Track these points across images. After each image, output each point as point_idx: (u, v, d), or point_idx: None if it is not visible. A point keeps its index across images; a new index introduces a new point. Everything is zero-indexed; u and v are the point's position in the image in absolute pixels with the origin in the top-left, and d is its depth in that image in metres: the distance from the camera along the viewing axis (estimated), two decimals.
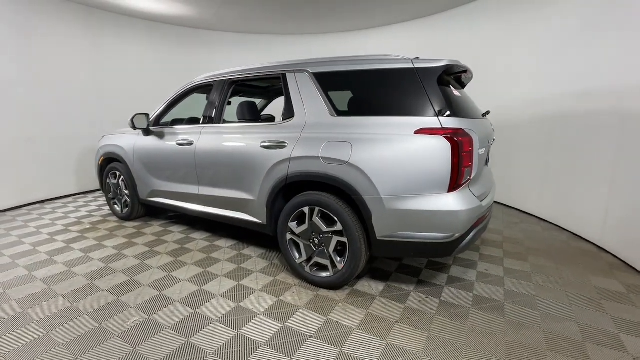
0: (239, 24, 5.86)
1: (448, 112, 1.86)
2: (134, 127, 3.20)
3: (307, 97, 2.29)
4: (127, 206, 3.71)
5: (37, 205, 4.48)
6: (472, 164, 1.87)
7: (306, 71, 2.35)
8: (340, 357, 1.62)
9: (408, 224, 1.90)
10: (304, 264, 2.33)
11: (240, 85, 3.26)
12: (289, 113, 2.37)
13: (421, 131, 1.84)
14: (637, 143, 2.55)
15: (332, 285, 2.22)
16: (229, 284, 2.35)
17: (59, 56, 4.68)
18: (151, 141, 3.26)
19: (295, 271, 2.38)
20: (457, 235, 1.86)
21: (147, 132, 3.31)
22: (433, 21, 5.25)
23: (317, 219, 2.19)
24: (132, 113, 5.55)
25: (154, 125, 3.32)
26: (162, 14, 5.31)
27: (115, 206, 3.84)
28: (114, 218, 3.89)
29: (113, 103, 5.36)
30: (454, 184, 1.82)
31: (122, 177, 3.61)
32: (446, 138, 1.79)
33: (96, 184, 5.34)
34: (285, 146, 2.28)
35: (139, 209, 3.66)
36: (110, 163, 3.78)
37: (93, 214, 4.08)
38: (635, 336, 1.79)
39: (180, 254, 2.86)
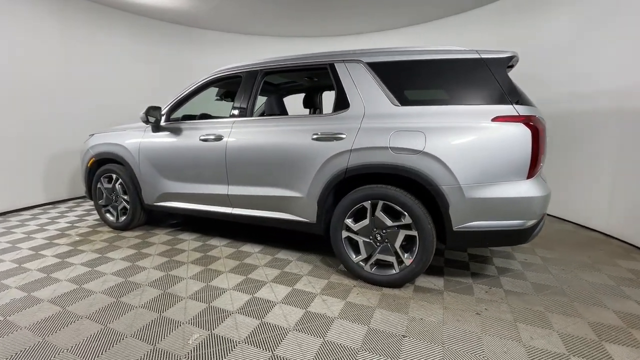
0: (234, 23, 5.59)
1: (519, 100, 1.89)
2: (148, 122, 2.83)
3: (363, 87, 2.20)
4: (124, 214, 3.25)
5: None
6: (544, 150, 1.92)
7: (360, 61, 2.26)
8: (447, 355, 1.52)
9: (487, 212, 1.88)
10: (362, 262, 2.20)
11: (275, 77, 3.05)
12: (342, 104, 2.25)
13: (499, 119, 1.85)
14: (634, 140, 2.85)
15: (397, 283, 2.12)
16: (283, 289, 2.13)
17: (22, 47, 4.05)
18: (163, 138, 2.90)
19: (352, 271, 2.23)
20: (534, 221, 1.88)
21: (157, 128, 2.95)
22: (428, 27, 5.49)
23: (380, 214, 2.08)
24: (109, 112, 5.04)
25: (165, 121, 2.97)
26: (148, 4, 4.88)
27: (108, 215, 3.34)
28: (106, 228, 3.38)
29: (86, 101, 4.75)
30: (532, 171, 1.84)
31: (119, 180, 3.17)
32: (526, 125, 1.81)
33: (71, 192, 4.67)
34: (342, 138, 2.15)
35: (140, 216, 3.22)
36: (102, 165, 3.31)
37: (76, 224, 3.51)
38: None
39: (208, 262, 2.55)
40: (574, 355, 1.52)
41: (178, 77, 5.76)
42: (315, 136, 2.25)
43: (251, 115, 2.59)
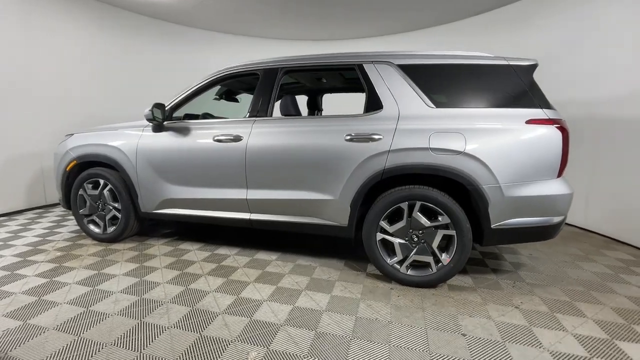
0: (217, 21, 5.31)
1: (546, 104, 2.03)
2: (154, 120, 2.57)
3: (396, 88, 2.21)
4: (113, 224, 2.88)
5: None
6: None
7: (390, 63, 2.27)
8: (514, 350, 1.55)
9: (523, 210, 1.98)
10: (397, 264, 2.18)
11: (295, 76, 2.94)
12: (375, 104, 2.23)
13: (532, 121, 1.97)
14: (608, 142, 3.23)
15: (433, 283, 2.13)
16: (322, 297, 2.03)
17: None
18: (167, 138, 2.63)
19: (387, 273, 2.21)
20: (562, 217, 2.02)
21: (159, 127, 2.67)
22: (427, 32, 5.72)
23: (418, 214, 2.09)
24: (72, 110, 4.44)
25: (166, 120, 2.70)
26: None
27: (92, 226, 2.94)
28: (89, 241, 2.97)
29: (47, 98, 4.17)
30: (562, 170, 1.98)
31: (108, 186, 2.80)
32: (557, 127, 1.95)
33: (29, 202, 4.05)
34: (378, 139, 2.13)
35: (133, 226, 2.88)
36: (84, 169, 2.91)
37: (48, 238, 3.04)
38: None
39: (227, 273, 2.35)
40: (616, 339, 1.64)
41: (149, 74, 5.33)
42: (348, 137, 2.20)
43: (269, 115, 2.46)
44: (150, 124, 2.71)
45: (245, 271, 2.38)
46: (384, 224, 2.17)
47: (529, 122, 1.97)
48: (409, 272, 2.17)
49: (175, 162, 2.59)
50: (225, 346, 1.54)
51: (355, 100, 3.97)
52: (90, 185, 2.88)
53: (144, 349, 1.51)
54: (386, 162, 2.11)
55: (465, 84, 2.16)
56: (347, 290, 2.11)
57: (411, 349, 1.54)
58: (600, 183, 3.36)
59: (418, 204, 2.09)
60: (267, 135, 2.39)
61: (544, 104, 2.03)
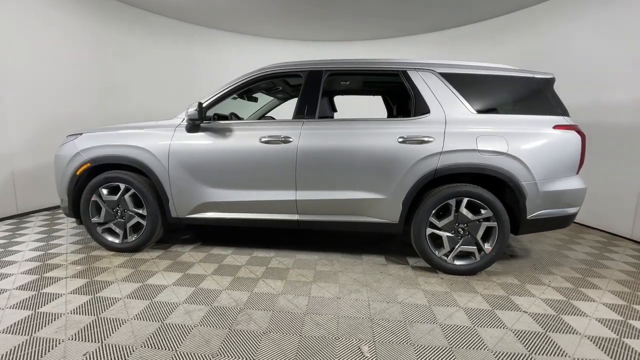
0: (221, 19, 5.03)
1: (566, 112, 2.40)
2: (200, 120, 2.46)
3: (440, 94, 2.41)
4: (136, 231, 2.66)
5: None
6: None
7: (432, 70, 2.46)
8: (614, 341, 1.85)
9: (552, 202, 2.31)
10: (444, 256, 2.39)
11: (337, 79, 2.99)
12: (422, 109, 2.41)
13: (558, 127, 2.31)
14: None
15: (476, 271, 2.38)
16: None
17: None
18: (205, 139, 2.51)
19: (436, 265, 2.40)
20: (578, 208, 2.40)
21: (195, 127, 2.53)
22: (416, 40, 6.05)
23: (464, 209, 2.32)
24: (44, 109, 3.87)
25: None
26: None
27: (107, 235, 2.67)
28: (104, 252, 2.69)
29: (15, 98, 3.62)
30: (580, 168, 2.35)
31: (130, 190, 2.57)
32: (577, 132, 2.31)
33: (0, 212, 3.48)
34: (430, 141, 2.31)
35: (159, 233, 2.68)
36: (99, 173, 2.63)
37: (51, 252, 2.68)
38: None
39: (282, 275, 2.34)
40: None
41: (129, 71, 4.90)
42: (401, 139, 2.34)
43: (316, 117, 2.50)
44: (184, 123, 2.56)
45: (300, 272, 2.39)
46: (433, 219, 2.36)
47: (555, 127, 2.31)
48: (455, 262, 2.39)
49: (217, 164, 2.48)
50: (333, 345, 1.58)
51: (356, 102, 4.14)
52: (108, 191, 2.61)
53: (254, 356, 1.48)
54: (438, 163, 2.29)
55: (499, 92, 2.45)
56: (405, 284, 2.26)
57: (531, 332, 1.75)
58: None
59: (465, 200, 2.31)
60: (319, 136, 2.42)
61: (564, 111, 2.39)
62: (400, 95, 3.37)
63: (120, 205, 2.62)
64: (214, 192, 2.53)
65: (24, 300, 1.90)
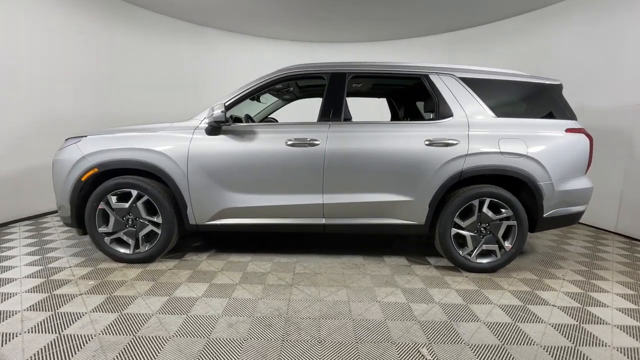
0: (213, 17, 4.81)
1: (574, 116, 2.56)
2: (226, 122, 2.35)
3: (462, 98, 2.48)
4: (148, 240, 2.49)
5: None
6: None
7: (452, 75, 2.53)
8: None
9: (566, 201, 2.46)
10: (467, 255, 2.47)
11: (358, 81, 2.98)
12: (445, 112, 2.47)
13: (570, 130, 2.46)
14: None
15: (496, 268, 2.48)
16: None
17: None
18: (228, 142, 2.40)
19: (460, 264, 2.47)
20: (586, 206, 2.58)
21: (216, 130, 2.41)
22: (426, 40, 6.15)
23: (487, 209, 2.41)
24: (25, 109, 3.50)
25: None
26: None
27: (116, 246, 2.48)
28: (113, 264, 2.49)
29: None
30: (588, 169, 2.53)
31: (143, 197, 2.40)
32: (586, 135, 2.48)
33: None
34: (455, 144, 2.37)
35: (173, 241, 2.52)
36: (106, 179, 2.43)
37: (51, 265, 2.44)
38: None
39: (312, 280, 2.29)
40: None
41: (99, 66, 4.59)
42: (427, 142, 2.38)
43: (342, 119, 2.48)
44: (202, 125, 2.44)
45: (329, 277, 2.36)
46: (457, 219, 2.43)
47: (567, 130, 2.46)
48: (478, 260, 2.47)
49: (240, 168, 2.38)
50: (395, 348, 1.58)
51: (353, 104, 4.16)
52: (118, 198, 2.42)
53: None
54: (464, 165, 2.36)
55: (514, 97, 2.58)
56: (439, 284, 2.31)
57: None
58: None
59: (487, 200, 2.40)
60: (347, 139, 2.40)
61: (572, 115, 2.55)
62: (413, 98, 3.41)
63: (132, 213, 2.44)
64: (237, 197, 2.43)
65: (41, 322, 1.71)
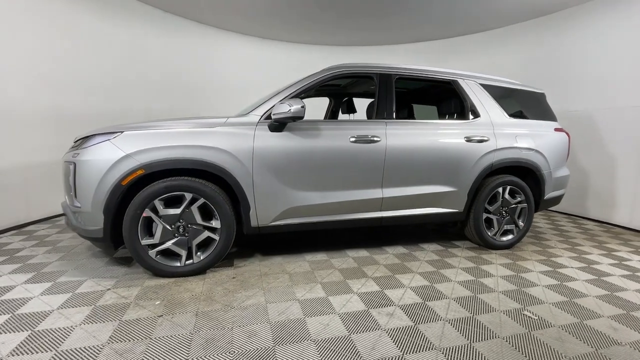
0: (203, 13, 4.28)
1: (556, 119, 3.24)
2: (300, 118, 2.26)
3: (485, 101, 2.91)
4: (201, 248, 2.22)
5: None
6: None
7: (474, 80, 2.94)
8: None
9: (557, 186, 3.11)
10: (493, 236, 2.90)
11: (400, 83, 3.12)
12: (473, 113, 2.85)
13: (557, 129, 3.12)
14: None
15: (513, 244, 2.98)
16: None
17: None
18: (293, 139, 2.31)
19: (488, 243, 2.90)
20: (565, 189, 3.28)
21: (281, 126, 2.29)
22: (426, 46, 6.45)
23: (507, 195, 2.88)
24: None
25: (267, 119, 2.34)
26: None
27: (163, 258, 2.14)
28: (159, 280, 2.13)
29: None
30: (567, 159, 3.22)
31: (198, 200, 2.14)
32: (566, 133, 3.17)
33: None
34: (486, 140, 2.77)
35: (230, 248, 2.30)
36: (151, 181, 2.08)
37: (79, 291, 1.96)
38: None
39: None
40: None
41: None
42: (466, 138, 2.72)
43: (394, 117, 2.64)
44: (264, 120, 2.30)
45: (374, 268, 2.49)
46: (487, 205, 2.84)
47: (555, 129, 3.12)
48: (501, 238, 2.93)
49: (305, 165, 2.33)
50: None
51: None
52: (169, 204, 2.10)
53: None
54: (494, 158, 2.78)
55: (517, 101, 3.12)
56: (479, 265, 2.65)
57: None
58: None
59: (508, 187, 2.87)
60: (404, 136, 2.57)
61: (554, 118, 3.23)
62: (437, 100, 3.77)
63: (183, 219, 2.15)
64: (300, 195, 2.37)
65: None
